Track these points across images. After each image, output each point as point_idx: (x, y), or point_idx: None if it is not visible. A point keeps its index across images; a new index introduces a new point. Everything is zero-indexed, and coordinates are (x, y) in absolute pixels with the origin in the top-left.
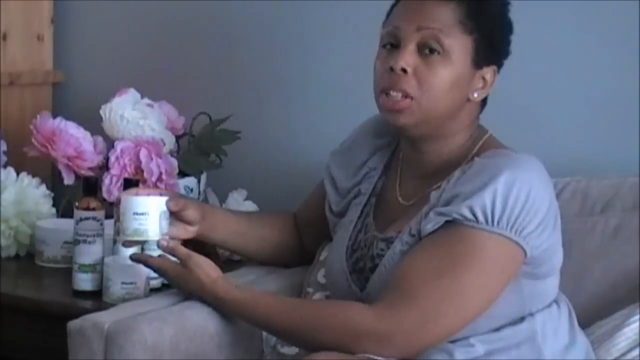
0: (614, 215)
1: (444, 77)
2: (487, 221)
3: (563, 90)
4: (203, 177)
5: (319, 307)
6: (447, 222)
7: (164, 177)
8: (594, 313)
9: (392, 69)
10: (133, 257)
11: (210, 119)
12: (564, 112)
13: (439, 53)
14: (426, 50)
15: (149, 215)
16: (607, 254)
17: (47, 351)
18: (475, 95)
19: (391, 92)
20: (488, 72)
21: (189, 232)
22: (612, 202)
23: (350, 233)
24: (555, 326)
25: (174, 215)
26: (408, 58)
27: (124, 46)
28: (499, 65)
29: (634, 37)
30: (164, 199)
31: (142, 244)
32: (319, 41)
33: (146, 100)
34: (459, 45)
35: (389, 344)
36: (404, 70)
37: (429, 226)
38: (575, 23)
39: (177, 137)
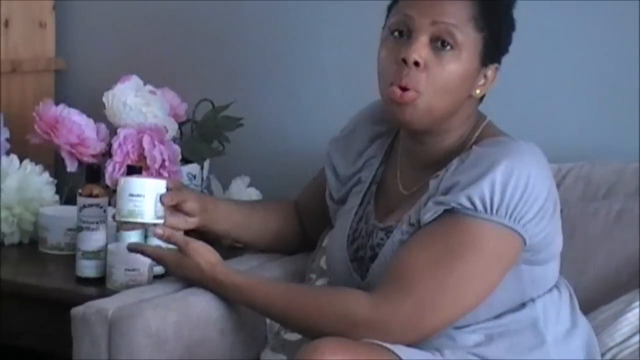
0: (616, 200)
1: (454, 72)
2: (485, 210)
3: (565, 76)
4: (206, 164)
5: (317, 294)
6: (445, 211)
7: (166, 164)
8: (596, 298)
9: (404, 61)
10: (130, 247)
11: (213, 105)
12: (566, 98)
13: (451, 48)
14: (438, 44)
15: (144, 197)
16: (610, 239)
17: (51, 338)
18: (478, 92)
19: (401, 85)
20: (490, 69)
21: (189, 223)
22: (615, 187)
23: (351, 221)
24: (556, 311)
25: (174, 206)
26: (421, 50)
27: (126, 33)
28: (500, 63)
29: (637, 23)
30: (162, 181)
31: (138, 226)
32: (322, 28)
33: (149, 87)
34: (470, 42)
35: (385, 333)
36: (417, 64)
37: (428, 215)
38: (578, 12)
39: (180, 124)
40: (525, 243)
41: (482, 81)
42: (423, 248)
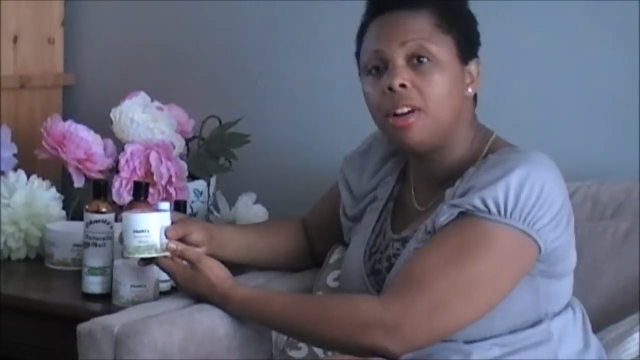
0: (624, 219)
1: (441, 82)
2: (499, 212)
3: (571, 94)
4: (213, 180)
5: (325, 299)
6: (460, 214)
7: (173, 180)
8: (604, 317)
9: (391, 89)
10: (142, 264)
11: (220, 122)
12: (572, 116)
13: (428, 60)
14: (415, 61)
15: (149, 231)
16: (617, 258)
17: (57, 354)
18: (470, 90)
19: (398, 111)
20: (472, 65)
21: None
22: (623, 206)
23: (368, 237)
24: (570, 330)
25: (181, 239)
26: (403, 74)
27: (134, 49)
28: (478, 57)
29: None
30: (166, 213)
31: (148, 261)
32: (329, 44)
33: (156, 103)
34: (444, 47)
35: (396, 333)
36: (404, 86)
37: (443, 218)
38: (582, 28)
39: (187, 140)
40: (540, 250)
41: (469, 79)
42: (435, 249)
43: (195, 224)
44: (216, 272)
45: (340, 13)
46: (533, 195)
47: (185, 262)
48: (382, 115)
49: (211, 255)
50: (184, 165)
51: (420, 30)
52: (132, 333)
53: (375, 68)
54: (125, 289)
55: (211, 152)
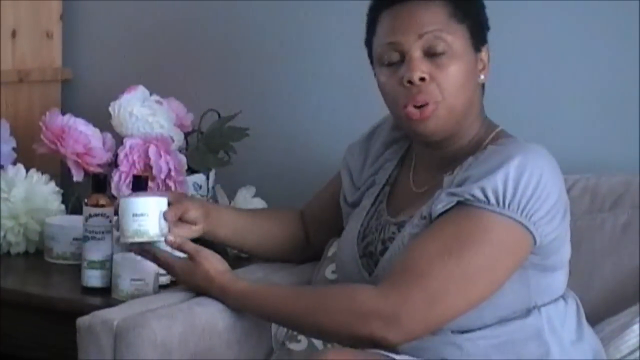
0: (623, 212)
1: (457, 72)
2: (497, 203)
3: (570, 88)
4: (212, 174)
5: (323, 290)
6: (458, 203)
7: (172, 174)
8: (603, 310)
9: (410, 82)
10: (138, 252)
11: (219, 115)
12: (571, 110)
13: (445, 51)
14: (432, 52)
15: (148, 215)
16: (616, 251)
17: (56, 348)
18: (482, 77)
19: (417, 104)
20: (483, 51)
21: (193, 231)
22: (622, 199)
23: (362, 219)
24: (561, 321)
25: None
26: (422, 66)
27: (132, 43)
28: (487, 42)
29: None
30: (163, 198)
31: (145, 245)
32: (328, 37)
33: (155, 97)
34: (459, 38)
35: (394, 323)
36: (423, 79)
37: (440, 206)
38: (581, 22)
39: (186, 134)
40: (535, 242)
41: (481, 65)
42: (433, 238)
43: (192, 202)
44: (215, 264)
45: (339, 8)
46: (530, 187)
47: (181, 254)
48: (399, 106)
49: (207, 232)
50: (183, 159)
51: (436, 21)
52: (131, 327)
53: (391, 59)
54: (125, 283)
55: (210, 145)
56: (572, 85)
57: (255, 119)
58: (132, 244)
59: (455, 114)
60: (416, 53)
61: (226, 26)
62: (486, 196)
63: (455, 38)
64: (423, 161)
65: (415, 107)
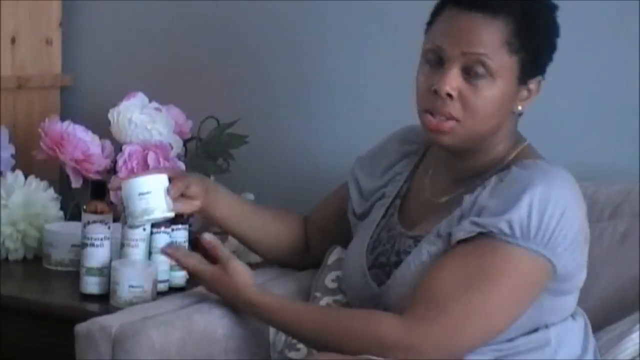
0: (622, 221)
1: (489, 99)
2: (522, 236)
3: (570, 96)
4: None
5: (349, 316)
6: (480, 233)
7: None
8: (601, 319)
9: (436, 92)
10: (166, 252)
11: (218, 123)
12: (571, 118)
13: (484, 76)
14: (471, 72)
15: (152, 192)
16: (615, 260)
17: (54, 354)
18: (520, 108)
19: (436, 115)
20: (532, 83)
21: (193, 206)
22: (621, 208)
23: (372, 231)
24: (569, 338)
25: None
26: (453, 82)
27: (132, 50)
28: (543, 74)
29: None
30: (164, 175)
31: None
32: (327, 44)
33: (154, 104)
34: (504, 67)
35: (418, 355)
36: (450, 95)
37: (461, 234)
38: (578, 28)
39: (185, 141)
40: (555, 271)
41: (524, 95)
42: (456, 269)
43: (193, 177)
44: (243, 276)
45: (339, 13)
46: (554, 218)
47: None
48: (421, 109)
49: (205, 208)
50: (182, 166)
51: (488, 44)
52: (129, 334)
53: (433, 60)
54: (123, 290)
55: (209, 153)
56: (571, 93)
57: (254, 126)
58: (141, 224)
59: (474, 136)
60: (454, 68)
61: (226, 34)
62: (512, 229)
63: (499, 66)
64: (442, 169)
65: (432, 115)
